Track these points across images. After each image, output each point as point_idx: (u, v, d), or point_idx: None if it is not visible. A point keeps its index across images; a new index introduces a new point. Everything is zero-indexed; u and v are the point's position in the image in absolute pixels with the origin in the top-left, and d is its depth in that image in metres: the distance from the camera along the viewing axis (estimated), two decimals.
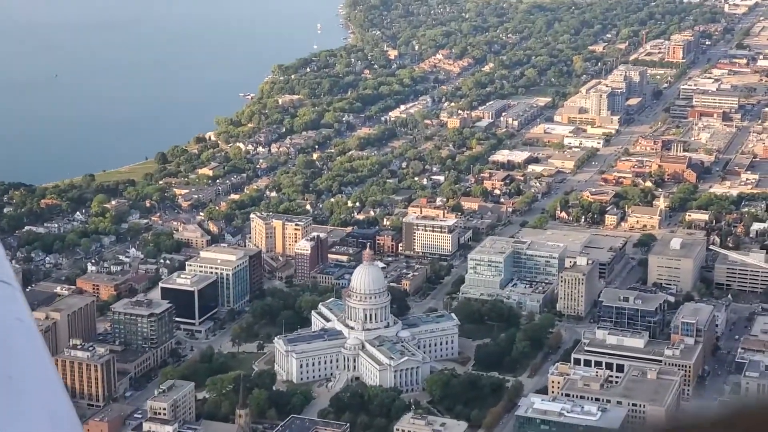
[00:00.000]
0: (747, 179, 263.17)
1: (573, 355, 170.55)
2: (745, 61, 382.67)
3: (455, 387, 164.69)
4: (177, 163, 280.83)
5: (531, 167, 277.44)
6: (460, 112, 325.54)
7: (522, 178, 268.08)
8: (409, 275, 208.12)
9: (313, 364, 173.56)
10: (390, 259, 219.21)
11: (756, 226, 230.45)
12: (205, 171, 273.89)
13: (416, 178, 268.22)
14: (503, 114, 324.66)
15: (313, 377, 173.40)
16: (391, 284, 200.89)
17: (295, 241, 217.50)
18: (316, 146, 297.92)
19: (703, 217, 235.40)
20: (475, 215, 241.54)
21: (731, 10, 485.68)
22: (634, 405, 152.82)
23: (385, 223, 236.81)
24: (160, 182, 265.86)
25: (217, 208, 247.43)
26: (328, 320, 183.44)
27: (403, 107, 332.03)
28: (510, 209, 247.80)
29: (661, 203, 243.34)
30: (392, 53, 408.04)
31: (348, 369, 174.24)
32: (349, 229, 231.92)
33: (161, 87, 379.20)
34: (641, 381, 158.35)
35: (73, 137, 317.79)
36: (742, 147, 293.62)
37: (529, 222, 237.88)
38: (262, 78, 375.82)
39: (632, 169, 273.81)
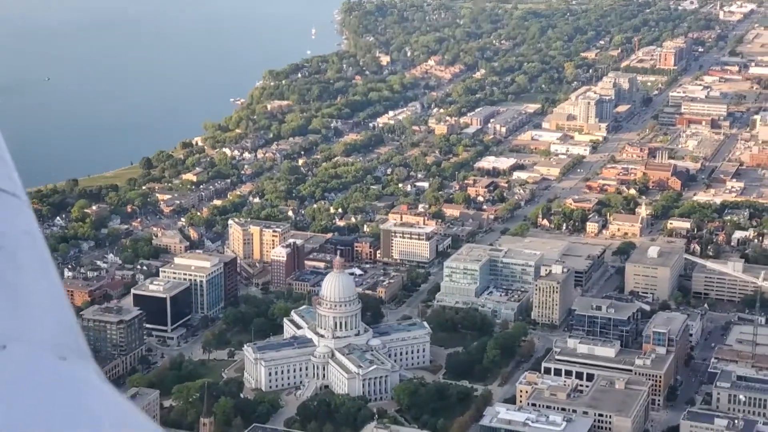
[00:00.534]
0: (732, 187, 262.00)
1: (543, 364, 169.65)
2: (737, 68, 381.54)
3: (423, 396, 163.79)
4: (162, 169, 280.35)
5: (516, 174, 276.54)
6: (447, 118, 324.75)
7: (506, 185, 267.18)
8: (384, 282, 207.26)
9: (282, 372, 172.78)
10: (368, 266, 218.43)
11: (738, 234, 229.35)
12: (189, 176, 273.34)
13: (400, 185, 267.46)
14: (491, 121, 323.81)
15: (282, 385, 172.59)
16: (367, 291, 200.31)
17: (273, 248, 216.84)
18: (303, 152, 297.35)
19: (684, 225, 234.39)
20: (456, 222, 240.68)
21: (726, 17, 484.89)
22: (600, 415, 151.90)
23: (365, 230, 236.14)
24: (144, 187, 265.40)
25: (198, 213, 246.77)
26: (299, 328, 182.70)
27: (391, 113, 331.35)
28: (492, 216, 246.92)
29: (643, 211, 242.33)
30: (384, 59, 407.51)
31: (317, 377, 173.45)
32: (329, 235, 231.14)
33: (153, 91, 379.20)
34: (609, 391, 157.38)
35: (61, 141, 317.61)
36: (729, 155, 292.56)
37: (510, 229, 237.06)
38: (254, 83, 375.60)
39: (617, 176, 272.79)
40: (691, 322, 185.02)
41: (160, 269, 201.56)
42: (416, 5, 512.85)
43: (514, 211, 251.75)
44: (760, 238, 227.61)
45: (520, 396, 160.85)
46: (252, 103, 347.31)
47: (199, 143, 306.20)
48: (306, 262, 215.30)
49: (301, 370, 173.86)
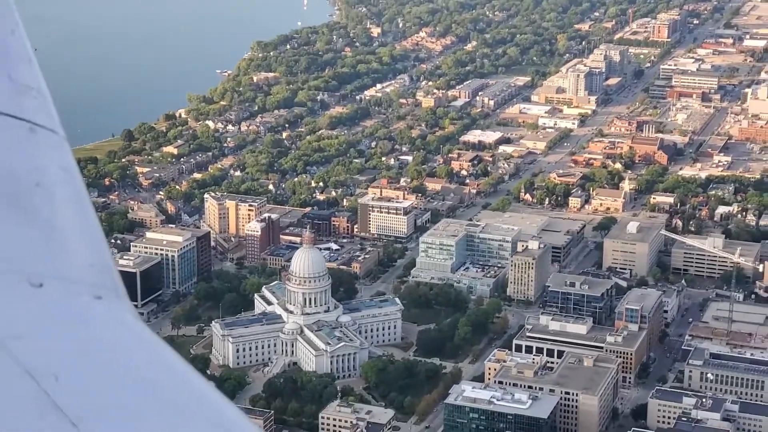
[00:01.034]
0: (719, 161, 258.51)
1: (515, 341, 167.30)
2: (731, 40, 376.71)
3: (391, 373, 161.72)
4: (143, 141, 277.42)
5: (502, 148, 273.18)
6: (435, 91, 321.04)
7: (491, 159, 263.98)
8: (360, 258, 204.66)
9: (250, 349, 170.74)
10: (345, 240, 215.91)
11: (721, 210, 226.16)
12: (170, 149, 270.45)
13: (383, 159, 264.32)
14: (480, 93, 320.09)
15: (250, 362, 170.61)
16: (341, 267, 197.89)
17: (249, 222, 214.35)
18: (287, 125, 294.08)
19: (668, 200, 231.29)
20: (437, 197, 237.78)
21: None
22: (567, 393, 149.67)
23: (344, 204, 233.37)
24: (123, 160, 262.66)
25: (177, 187, 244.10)
26: (270, 303, 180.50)
27: (379, 86, 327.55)
28: (474, 191, 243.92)
29: (626, 186, 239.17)
30: (375, 31, 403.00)
31: (286, 354, 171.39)
32: (307, 209, 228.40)
33: (138, 62, 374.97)
34: (577, 368, 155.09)
35: None
36: (718, 128, 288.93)
37: (492, 204, 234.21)
38: (242, 54, 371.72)
39: (603, 150, 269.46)
40: (667, 298, 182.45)
41: (131, 243, 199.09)
42: None
43: (498, 186, 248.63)
44: (744, 213, 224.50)
45: (488, 374, 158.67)
46: (238, 75, 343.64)
47: (183, 115, 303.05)
48: (282, 236, 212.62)
49: (269, 346, 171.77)
